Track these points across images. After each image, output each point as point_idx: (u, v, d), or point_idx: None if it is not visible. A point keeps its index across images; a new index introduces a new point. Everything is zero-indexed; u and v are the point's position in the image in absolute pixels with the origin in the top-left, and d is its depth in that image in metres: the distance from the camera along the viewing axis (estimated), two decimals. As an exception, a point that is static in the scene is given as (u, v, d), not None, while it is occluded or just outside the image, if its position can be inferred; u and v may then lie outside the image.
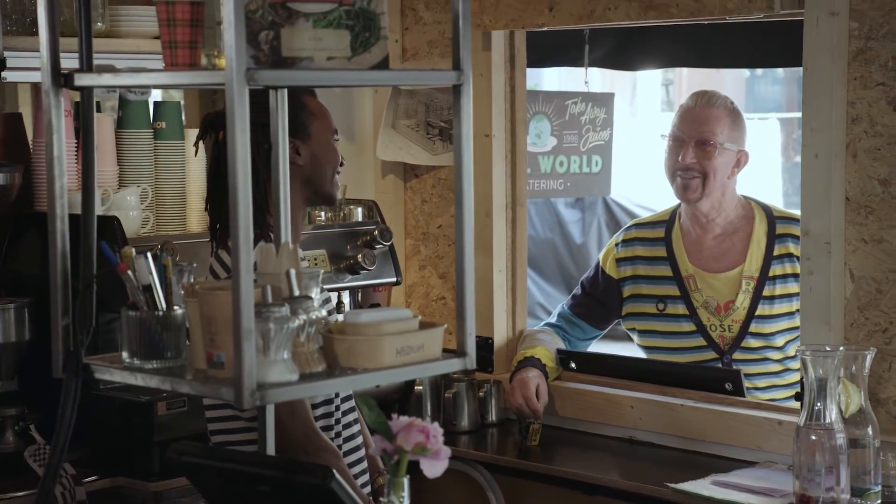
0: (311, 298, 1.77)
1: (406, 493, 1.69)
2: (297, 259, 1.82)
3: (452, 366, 1.85)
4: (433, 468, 1.68)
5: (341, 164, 2.70)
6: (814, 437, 2.52)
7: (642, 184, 9.23)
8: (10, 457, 2.96)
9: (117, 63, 3.14)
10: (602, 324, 3.54)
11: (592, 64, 5.02)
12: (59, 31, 1.84)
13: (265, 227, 2.49)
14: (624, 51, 5.02)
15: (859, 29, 2.75)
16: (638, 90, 13.56)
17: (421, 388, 3.43)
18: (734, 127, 3.34)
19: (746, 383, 3.25)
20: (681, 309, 3.35)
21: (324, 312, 1.80)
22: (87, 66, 1.88)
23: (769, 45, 4.34)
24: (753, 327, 3.28)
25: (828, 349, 2.56)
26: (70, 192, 3.17)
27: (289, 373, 1.70)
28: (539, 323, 3.77)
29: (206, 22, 1.82)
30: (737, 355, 3.30)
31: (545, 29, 3.44)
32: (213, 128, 2.56)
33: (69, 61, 3.16)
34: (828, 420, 2.53)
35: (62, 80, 1.84)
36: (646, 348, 3.46)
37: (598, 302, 3.49)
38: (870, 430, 2.60)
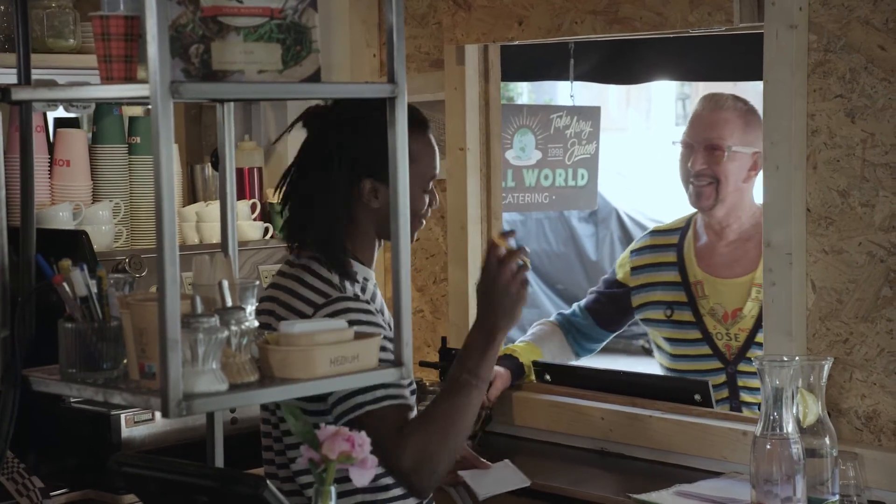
0: (243, 309, 1.79)
1: (333, 502, 1.70)
2: (230, 270, 1.83)
3: (388, 376, 1.86)
4: (361, 477, 1.70)
5: (429, 208, 2.57)
6: (769, 447, 2.52)
7: (657, 198, 9.15)
8: (-22, 469, 2.98)
9: (90, 79, 3.19)
10: (611, 326, 3.49)
11: (578, 78, 5.04)
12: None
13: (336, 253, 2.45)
14: (610, 65, 5.03)
15: (818, 42, 2.76)
16: (653, 104, 13.57)
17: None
18: (747, 129, 3.24)
19: (748, 397, 3.20)
20: (687, 315, 3.30)
21: (256, 323, 1.81)
22: (25, 80, 1.91)
23: (752, 59, 4.35)
24: (760, 337, 3.17)
25: (784, 359, 2.57)
26: (42, 208, 3.21)
27: (218, 383, 1.71)
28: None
29: (143, 36, 1.84)
30: (742, 366, 3.22)
31: (516, 43, 3.46)
32: (309, 122, 2.51)
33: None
34: (784, 430, 2.53)
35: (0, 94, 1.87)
36: (661, 352, 3.40)
37: (609, 304, 3.46)
38: (827, 440, 2.60)
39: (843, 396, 2.78)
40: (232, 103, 2.11)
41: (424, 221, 2.60)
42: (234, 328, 1.75)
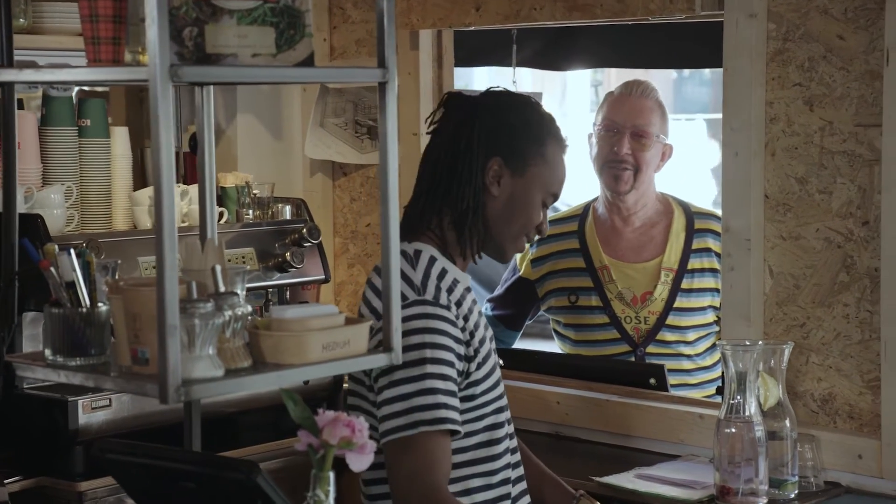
0: (236, 294, 1.78)
1: (332, 488, 1.70)
2: (222, 255, 1.82)
3: (378, 361, 1.87)
4: (359, 462, 1.70)
5: (538, 233, 2.49)
6: (733, 430, 2.58)
7: (573, 185, 9.24)
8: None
9: (40, 60, 3.13)
10: (514, 324, 3.55)
11: (520, 64, 5.06)
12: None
13: (458, 242, 2.42)
14: (552, 51, 5.06)
15: (777, 30, 2.81)
16: (568, 91, 13.65)
17: (349, 384, 3.43)
18: (664, 119, 3.39)
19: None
20: (594, 301, 3.37)
21: (249, 308, 1.80)
22: (7, 61, 1.87)
23: (695, 47, 4.41)
24: (670, 320, 3.31)
25: (747, 343, 2.62)
26: None
27: (214, 368, 1.70)
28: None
29: (129, 18, 1.82)
30: (651, 349, 3.32)
31: (472, 28, 3.46)
32: (450, 109, 2.46)
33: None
34: (747, 413, 2.58)
35: (-17, 76, 1.83)
36: (564, 339, 3.47)
37: (511, 303, 3.51)
38: (787, 423, 2.66)
39: (800, 380, 2.84)
40: (212, 87, 2.09)
41: (530, 239, 2.50)
42: (228, 313, 1.74)
